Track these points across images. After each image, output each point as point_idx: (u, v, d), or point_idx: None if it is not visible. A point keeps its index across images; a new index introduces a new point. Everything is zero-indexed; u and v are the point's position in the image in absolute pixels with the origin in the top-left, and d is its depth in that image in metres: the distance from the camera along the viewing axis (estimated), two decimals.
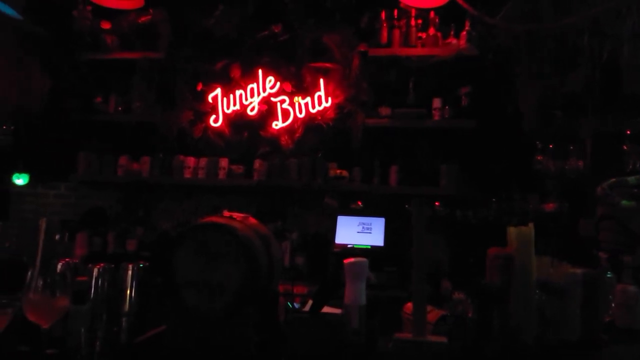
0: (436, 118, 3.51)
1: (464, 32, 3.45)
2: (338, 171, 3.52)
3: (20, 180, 3.80)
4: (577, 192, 3.06)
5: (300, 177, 3.61)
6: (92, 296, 1.34)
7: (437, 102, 3.51)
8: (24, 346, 1.25)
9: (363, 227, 3.29)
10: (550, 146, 3.21)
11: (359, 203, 3.47)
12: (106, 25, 3.85)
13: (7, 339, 1.22)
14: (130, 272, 1.40)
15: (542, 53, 2.86)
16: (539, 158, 3.21)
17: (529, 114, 3.15)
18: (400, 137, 3.62)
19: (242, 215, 1.47)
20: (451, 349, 1.30)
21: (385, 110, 3.55)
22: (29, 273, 1.14)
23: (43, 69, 3.73)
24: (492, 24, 3.07)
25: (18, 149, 3.68)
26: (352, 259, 1.36)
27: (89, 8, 3.75)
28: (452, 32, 3.52)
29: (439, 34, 3.54)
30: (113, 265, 1.41)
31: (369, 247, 3.28)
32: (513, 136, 3.32)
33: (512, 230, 1.52)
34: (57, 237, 3.21)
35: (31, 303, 1.12)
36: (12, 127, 3.60)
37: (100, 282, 1.36)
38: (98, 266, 1.37)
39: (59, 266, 1.28)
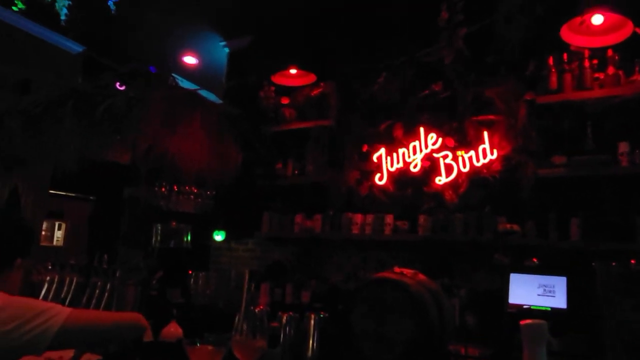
0: (624, 164, 3.13)
1: None
2: (508, 225, 3.34)
3: (218, 236, 4.49)
4: None
5: (467, 232, 3.52)
6: (281, 340, 1.53)
7: (623, 147, 3.14)
8: None
9: (544, 290, 3.02)
10: None
11: (534, 260, 3.21)
12: (285, 101, 4.46)
13: None
14: (312, 321, 1.56)
15: None
16: None
17: None
18: (580, 187, 3.29)
19: (411, 271, 1.54)
20: None
21: (559, 159, 3.31)
22: (237, 317, 1.38)
23: (236, 142, 4.44)
24: None
25: (217, 210, 4.37)
26: (529, 321, 1.30)
27: (273, 88, 4.41)
28: (637, 68, 3.17)
29: (620, 72, 3.22)
30: (298, 315, 1.60)
31: (549, 309, 2.98)
32: None
33: None
34: (245, 287, 3.68)
35: (238, 343, 1.34)
36: (214, 193, 4.32)
37: (288, 328, 1.55)
38: (286, 314, 1.57)
39: (257, 312, 1.50)
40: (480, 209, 3.52)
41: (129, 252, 3.10)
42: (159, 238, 3.93)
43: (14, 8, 2.88)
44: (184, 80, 4.11)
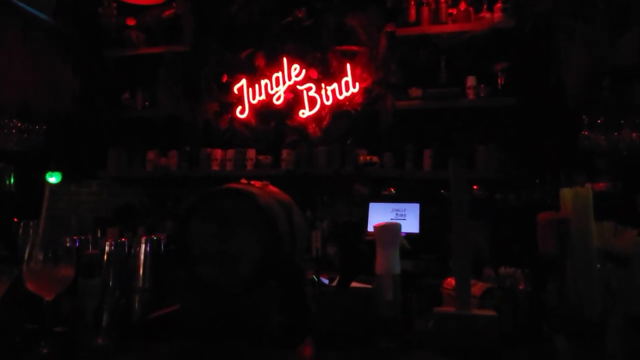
0: (471, 97, 3.31)
1: (499, 4, 3.25)
2: (368, 157, 3.37)
3: (52, 178, 3.83)
4: (632, 167, 2.79)
5: (329, 165, 3.48)
6: (103, 270, 1.24)
7: (471, 81, 3.32)
8: (31, 324, 1.16)
9: (397, 214, 3.12)
10: (599, 121, 2.95)
11: (392, 189, 3.30)
12: (131, 22, 3.85)
13: (13, 315, 1.14)
14: (143, 246, 1.30)
15: (588, 16, 2.62)
16: (585, 133, 2.96)
17: (574, 86, 2.90)
18: (433, 119, 3.43)
19: (261, 182, 1.35)
20: (501, 325, 1.13)
21: (416, 92, 3.38)
22: (28, 245, 1.06)
23: (73, 70, 3.76)
24: None
25: (50, 148, 3.70)
26: (382, 223, 1.21)
27: (114, 5, 3.76)
28: (484, 6, 3.32)
29: (470, 9, 3.35)
30: (125, 240, 1.32)
31: (404, 234, 3.10)
32: (557, 112, 3.08)
33: (566, 193, 1.33)
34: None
35: (32, 272, 1.03)
36: (44, 127, 3.64)
37: (112, 256, 1.26)
38: (110, 240, 1.28)
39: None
40: (342, 141, 3.49)
41: None
42: None
43: None
44: None
